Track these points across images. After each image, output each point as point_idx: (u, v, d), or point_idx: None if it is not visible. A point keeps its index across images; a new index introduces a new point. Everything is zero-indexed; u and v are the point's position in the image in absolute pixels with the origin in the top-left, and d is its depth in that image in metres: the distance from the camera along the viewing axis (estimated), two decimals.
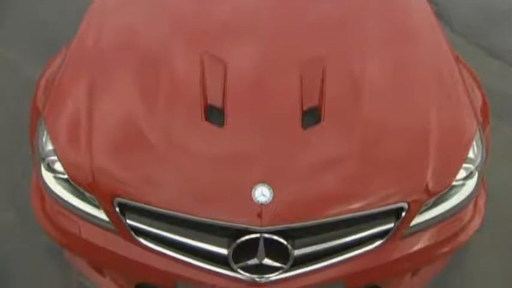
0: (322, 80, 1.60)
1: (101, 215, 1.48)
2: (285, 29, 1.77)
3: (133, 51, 1.70)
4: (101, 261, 1.54)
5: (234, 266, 1.39)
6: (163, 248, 1.44)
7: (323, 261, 1.43)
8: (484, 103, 1.80)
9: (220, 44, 1.71)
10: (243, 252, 1.38)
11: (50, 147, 1.53)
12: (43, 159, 1.54)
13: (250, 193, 1.36)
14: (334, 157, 1.43)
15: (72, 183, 1.49)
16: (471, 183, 1.55)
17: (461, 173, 1.50)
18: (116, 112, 1.54)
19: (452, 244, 1.56)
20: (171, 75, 1.61)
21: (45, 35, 3.14)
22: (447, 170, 1.48)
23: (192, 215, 1.36)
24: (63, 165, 1.48)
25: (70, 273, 1.97)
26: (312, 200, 1.36)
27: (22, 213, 2.17)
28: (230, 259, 1.38)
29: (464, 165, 1.51)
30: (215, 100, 1.55)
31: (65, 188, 1.53)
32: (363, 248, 1.44)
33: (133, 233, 1.45)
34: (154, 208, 1.38)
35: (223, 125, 1.49)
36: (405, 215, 1.43)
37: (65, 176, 1.49)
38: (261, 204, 1.35)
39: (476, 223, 1.62)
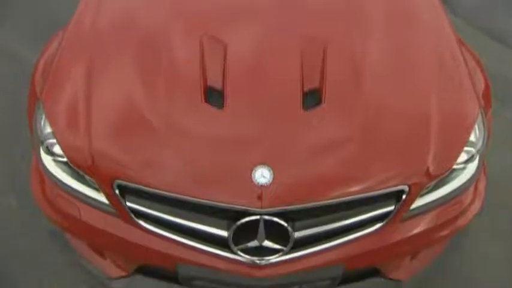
0: (323, 62, 1.58)
1: (101, 197, 1.48)
2: (286, 11, 1.75)
3: (132, 33, 1.68)
4: (102, 243, 1.54)
5: (234, 248, 1.39)
6: (164, 230, 1.44)
7: (323, 243, 1.43)
8: (487, 86, 1.78)
9: (220, 25, 1.69)
10: (243, 234, 1.38)
11: (48, 130, 1.52)
12: (42, 143, 1.53)
13: (251, 175, 1.35)
14: (335, 139, 1.42)
15: (72, 166, 1.48)
16: (472, 167, 1.55)
17: (463, 156, 1.50)
18: (115, 94, 1.52)
19: (451, 227, 1.56)
20: (171, 57, 1.59)
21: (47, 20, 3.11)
22: (448, 153, 1.47)
23: (192, 197, 1.36)
24: (62, 148, 1.47)
25: (71, 257, 1.97)
26: (312, 182, 1.36)
27: (22, 197, 2.17)
28: (230, 241, 1.38)
29: (466, 148, 1.50)
30: (215, 82, 1.54)
31: (64, 171, 1.52)
32: (363, 231, 1.44)
33: (133, 216, 1.45)
34: (154, 190, 1.38)
35: (223, 106, 1.48)
36: (406, 198, 1.43)
37: (64, 159, 1.48)
38: (261, 185, 1.34)
39: (476, 207, 1.62)
